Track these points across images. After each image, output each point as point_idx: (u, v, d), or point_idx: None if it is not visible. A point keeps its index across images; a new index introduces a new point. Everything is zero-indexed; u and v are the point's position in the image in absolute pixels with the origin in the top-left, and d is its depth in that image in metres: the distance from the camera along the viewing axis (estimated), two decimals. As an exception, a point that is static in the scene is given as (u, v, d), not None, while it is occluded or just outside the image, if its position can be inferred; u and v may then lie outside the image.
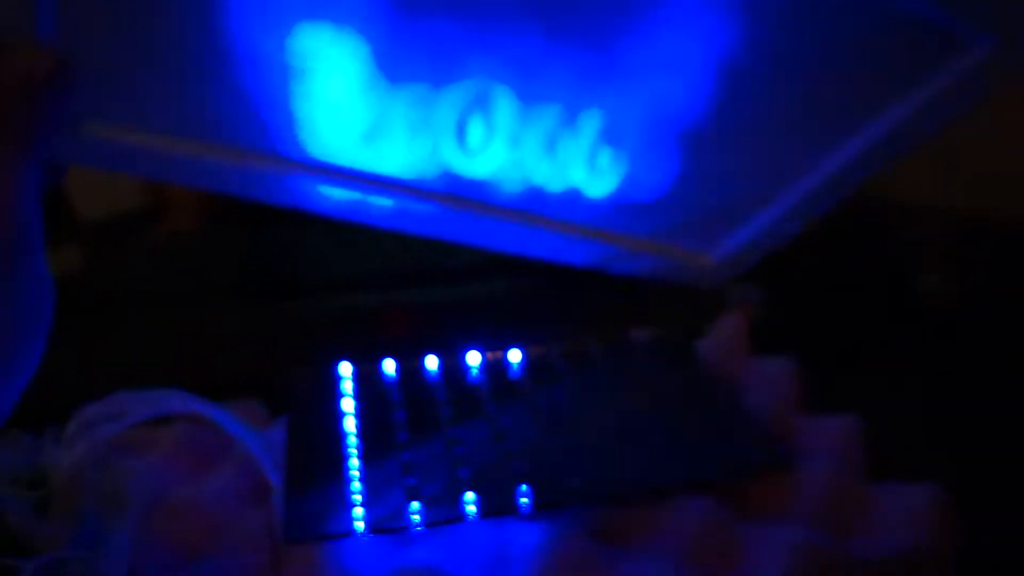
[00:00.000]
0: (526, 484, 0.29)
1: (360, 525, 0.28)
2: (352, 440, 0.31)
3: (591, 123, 0.31)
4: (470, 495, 0.28)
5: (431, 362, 0.37)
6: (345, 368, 0.36)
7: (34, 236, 0.20)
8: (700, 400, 0.34)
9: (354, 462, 0.30)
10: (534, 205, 0.36)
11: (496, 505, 0.29)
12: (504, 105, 0.28)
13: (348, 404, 0.34)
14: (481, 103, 0.28)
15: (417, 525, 0.28)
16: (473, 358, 0.37)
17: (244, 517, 0.31)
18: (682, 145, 0.36)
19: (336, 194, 0.27)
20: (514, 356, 0.37)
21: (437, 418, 0.33)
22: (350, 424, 0.32)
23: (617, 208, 0.43)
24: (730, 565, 0.28)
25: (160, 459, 0.33)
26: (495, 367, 0.37)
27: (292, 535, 0.27)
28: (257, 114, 0.24)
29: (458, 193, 0.31)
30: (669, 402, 0.34)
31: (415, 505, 0.28)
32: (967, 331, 0.44)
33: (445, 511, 0.28)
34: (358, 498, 0.29)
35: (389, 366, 0.36)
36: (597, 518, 0.29)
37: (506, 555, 0.28)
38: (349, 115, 0.25)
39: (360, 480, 0.29)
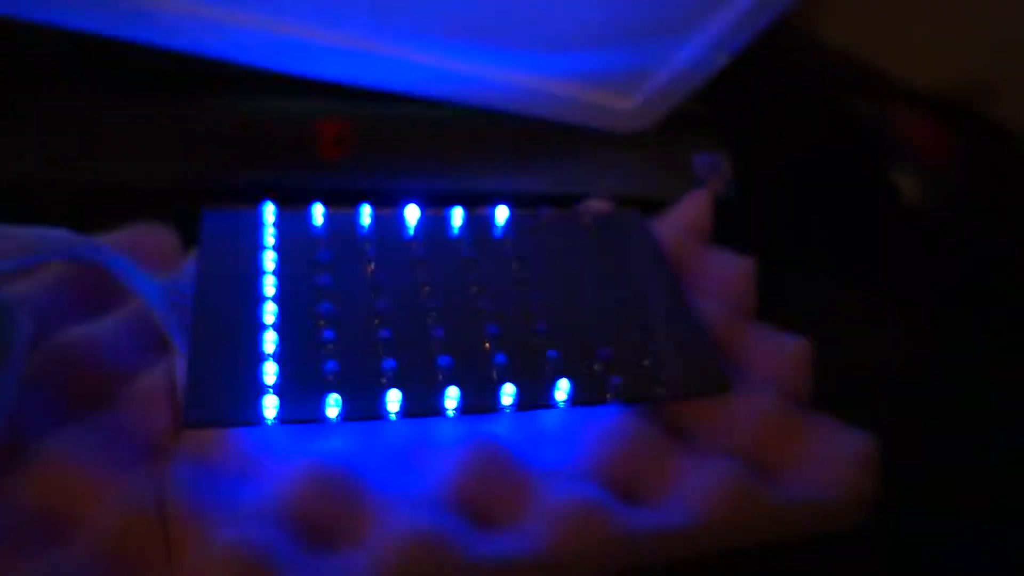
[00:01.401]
0: (453, 385, 0.27)
1: (270, 414, 0.25)
2: (270, 306, 0.28)
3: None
4: (394, 393, 0.26)
5: (364, 214, 0.33)
6: (269, 212, 0.32)
7: None
8: (644, 298, 0.32)
9: (269, 335, 0.27)
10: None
11: (420, 407, 0.27)
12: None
13: (269, 259, 0.30)
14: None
15: (334, 419, 0.26)
16: (411, 212, 0.33)
17: (142, 371, 0.28)
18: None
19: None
20: (456, 217, 0.34)
21: (366, 286, 0.30)
22: (269, 286, 0.29)
23: (533, 48, 0.39)
24: (649, 486, 0.28)
25: (42, 293, 0.29)
26: (433, 224, 0.33)
27: (193, 419, 0.25)
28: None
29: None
30: (609, 295, 0.32)
31: (333, 398, 0.26)
32: (937, 235, 0.42)
33: (365, 407, 0.26)
34: (271, 379, 0.26)
35: (318, 213, 0.33)
36: (520, 429, 0.28)
37: (430, 456, 0.27)
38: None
39: (275, 358, 0.27)
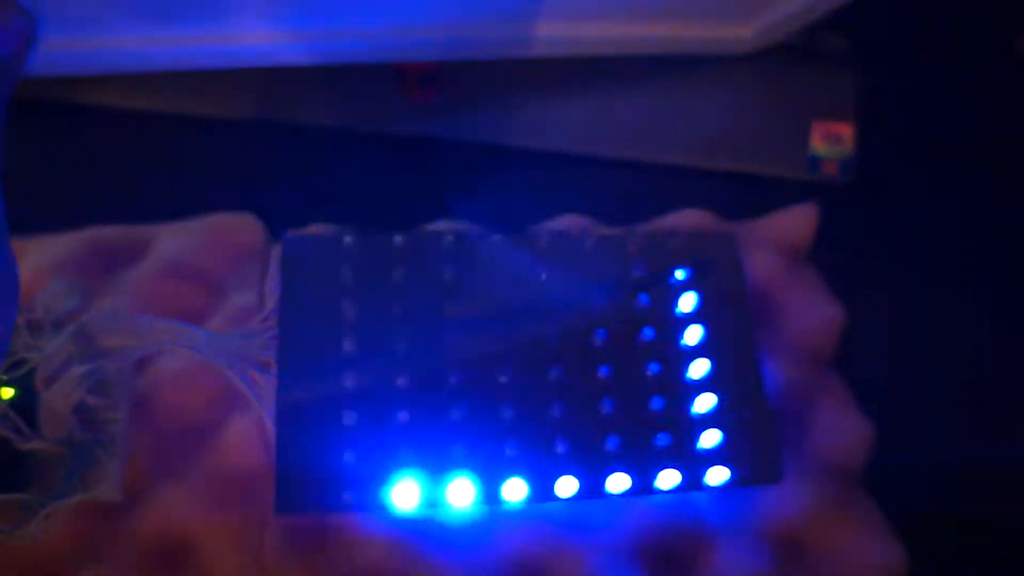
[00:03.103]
0: (518, 476, 0.29)
1: (350, 503, 0.28)
2: (350, 377, 0.30)
3: None
4: (464, 485, 0.28)
5: (445, 242, 0.32)
6: (348, 241, 0.32)
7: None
8: (717, 361, 0.31)
9: (349, 414, 0.29)
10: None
11: (489, 498, 0.29)
12: None
13: (350, 311, 0.31)
14: None
15: (410, 512, 0.29)
16: (493, 243, 0.32)
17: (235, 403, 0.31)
18: None
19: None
20: (536, 241, 0.33)
21: (440, 350, 0.30)
22: (349, 344, 0.30)
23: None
24: (684, 567, 0.31)
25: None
26: (510, 252, 0.33)
27: (283, 509, 0.28)
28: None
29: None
30: (680, 357, 0.32)
31: (407, 489, 0.28)
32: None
33: (434, 500, 0.29)
34: (350, 465, 0.28)
35: (399, 242, 0.32)
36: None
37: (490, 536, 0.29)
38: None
39: (353, 443, 0.29)
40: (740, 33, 0.38)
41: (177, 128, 0.38)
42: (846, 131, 0.38)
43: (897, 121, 0.39)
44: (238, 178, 0.38)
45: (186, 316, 0.32)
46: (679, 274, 0.33)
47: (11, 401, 0.28)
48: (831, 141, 0.38)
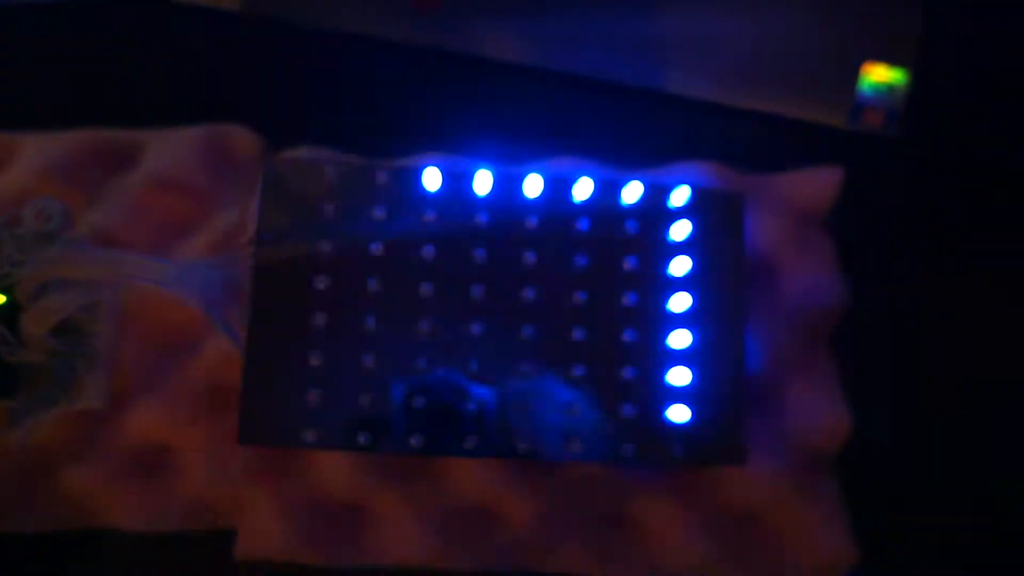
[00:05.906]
0: (472, 434, 0.29)
1: (310, 439, 0.29)
2: (320, 317, 0.30)
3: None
4: (417, 437, 0.29)
5: (429, 177, 0.31)
6: (332, 172, 0.31)
7: None
8: (699, 331, 0.30)
9: (315, 354, 0.29)
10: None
11: (440, 447, 0.29)
12: None
13: (325, 251, 0.30)
14: None
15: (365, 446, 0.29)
16: (481, 179, 0.31)
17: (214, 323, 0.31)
18: None
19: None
20: (530, 185, 0.31)
21: (417, 302, 0.30)
22: (322, 283, 0.30)
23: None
24: (629, 539, 0.31)
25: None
26: (502, 193, 0.31)
27: (246, 438, 0.29)
28: None
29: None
30: (663, 324, 0.31)
31: (362, 434, 0.29)
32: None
33: (391, 444, 0.29)
34: (314, 403, 0.29)
35: (384, 175, 0.31)
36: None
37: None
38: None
39: (318, 381, 0.29)
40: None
41: (180, 18, 0.36)
42: (900, 77, 0.34)
43: (964, 75, 0.34)
44: (240, 78, 0.36)
45: (171, 232, 0.32)
46: (674, 233, 0.31)
47: (1, 307, 0.29)
48: (881, 87, 0.34)
